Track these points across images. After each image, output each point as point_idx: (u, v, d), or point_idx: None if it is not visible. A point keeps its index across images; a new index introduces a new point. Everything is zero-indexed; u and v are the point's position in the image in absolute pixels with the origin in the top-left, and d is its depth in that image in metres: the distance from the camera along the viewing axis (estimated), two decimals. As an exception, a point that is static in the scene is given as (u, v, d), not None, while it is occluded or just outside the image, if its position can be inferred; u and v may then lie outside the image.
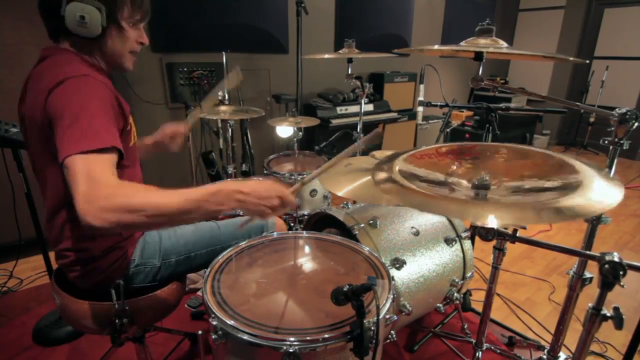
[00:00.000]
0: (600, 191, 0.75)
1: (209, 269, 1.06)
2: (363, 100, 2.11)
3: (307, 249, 1.24)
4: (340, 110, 3.35)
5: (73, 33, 0.94)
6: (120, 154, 0.87)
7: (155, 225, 0.95)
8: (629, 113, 1.00)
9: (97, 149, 0.79)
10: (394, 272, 1.38)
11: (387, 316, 0.95)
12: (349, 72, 2.03)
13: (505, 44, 1.16)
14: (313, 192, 2.19)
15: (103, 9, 0.94)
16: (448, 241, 1.56)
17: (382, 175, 0.88)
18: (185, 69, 2.73)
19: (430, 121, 4.05)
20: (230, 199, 0.86)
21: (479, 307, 1.87)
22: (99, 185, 0.75)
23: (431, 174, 0.95)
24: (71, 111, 0.82)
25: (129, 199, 0.76)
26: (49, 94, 0.86)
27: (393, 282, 1.03)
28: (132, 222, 0.76)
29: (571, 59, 1.14)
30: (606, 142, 1.07)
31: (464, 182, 0.92)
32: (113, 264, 1.07)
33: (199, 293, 1.96)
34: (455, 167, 1.00)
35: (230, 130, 2.54)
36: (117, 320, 1.01)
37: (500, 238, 0.96)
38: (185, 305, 1.88)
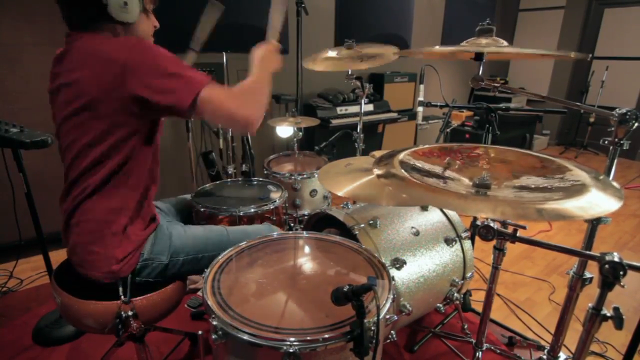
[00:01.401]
0: (599, 195, 0.75)
1: (209, 269, 1.06)
2: (363, 100, 2.11)
3: (307, 249, 1.24)
4: (340, 110, 3.35)
5: (115, 20, 1.00)
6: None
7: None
8: (629, 113, 1.00)
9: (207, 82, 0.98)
10: (394, 272, 1.38)
11: (387, 316, 0.95)
12: (349, 72, 2.03)
13: (505, 43, 1.16)
14: (313, 192, 2.19)
15: None
16: (448, 241, 1.56)
17: (382, 168, 0.89)
18: (185, 69, 2.72)
19: (430, 121, 4.05)
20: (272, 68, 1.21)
21: (479, 307, 1.87)
22: (237, 94, 1.03)
23: (432, 168, 0.96)
24: (168, 63, 0.97)
25: (260, 90, 1.10)
26: (126, 62, 0.92)
27: (393, 282, 1.03)
28: (264, 103, 1.08)
29: (572, 55, 1.14)
30: (606, 142, 1.07)
31: (465, 180, 0.92)
32: (128, 256, 1.08)
33: (199, 293, 1.96)
34: (456, 166, 1.00)
35: (230, 130, 2.54)
36: (122, 313, 1.02)
37: (500, 238, 0.96)
38: (185, 305, 1.88)
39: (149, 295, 1.11)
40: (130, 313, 1.03)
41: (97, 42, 0.98)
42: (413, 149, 1.05)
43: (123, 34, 1.06)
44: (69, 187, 1.06)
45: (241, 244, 1.22)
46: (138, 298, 1.09)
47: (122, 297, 1.06)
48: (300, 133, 2.34)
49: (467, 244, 1.63)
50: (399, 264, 1.39)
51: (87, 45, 0.98)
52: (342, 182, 1.39)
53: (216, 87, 0.99)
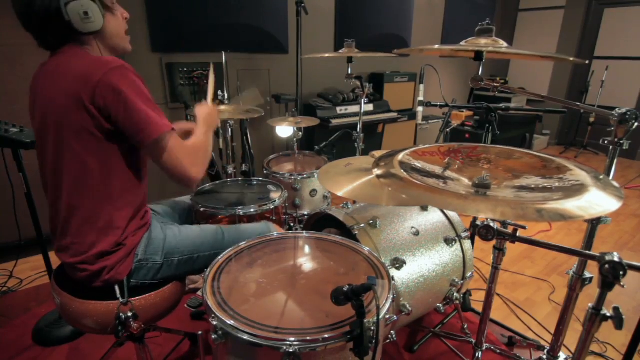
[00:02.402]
0: (599, 195, 0.75)
1: (209, 269, 1.06)
2: (363, 100, 2.11)
3: (307, 249, 1.24)
4: (340, 110, 3.35)
5: (81, 32, 0.97)
6: None
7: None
8: (629, 113, 1.00)
9: (172, 127, 1.03)
10: (394, 272, 1.38)
11: (387, 316, 0.95)
12: (349, 72, 2.03)
13: (505, 44, 1.16)
14: (313, 192, 2.19)
15: None
16: (448, 241, 1.56)
17: (382, 168, 0.89)
18: (185, 69, 2.73)
19: (430, 121, 4.05)
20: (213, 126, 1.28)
21: (479, 307, 1.87)
22: (190, 151, 1.08)
23: (432, 168, 0.95)
24: (139, 99, 0.97)
25: (207, 150, 1.17)
26: (97, 85, 0.92)
27: (393, 282, 1.03)
28: (208, 162, 1.15)
29: (571, 59, 1.14)
30: (606, 142, 1.07)
31: (465, 180, 0.92)
32: (120, 261, 1.09)
33: (199, 293, 1.96)
34: (456, 166, 1.00)
35: (230, 130, 2.54)
36: (121, 315, 1.02)
37: (500, 238, 0.96)
38: (185, 305, 1.88)
39: (147, 295, 1.11)
40: (129, 314, 1.03)
41: (74, 73, 0.95)
42: (413, 149, 1.05)
43: (96, 43, 1.04)
44: (66, 214, 1.05)
45: (241, 244, 1.22)
46: (136, 298, 1.09)
47: (120, 298, 1.06)
48: (300, 133, 2.34)
49: (467, 244, 1.63)
50: (398, 264, 1.39)
51: (62, 88, 0.96)
52: (342, 182, 1.39)
53: (177, 137, 1.05)
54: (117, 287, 1.09)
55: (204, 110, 1.28)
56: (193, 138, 1.16)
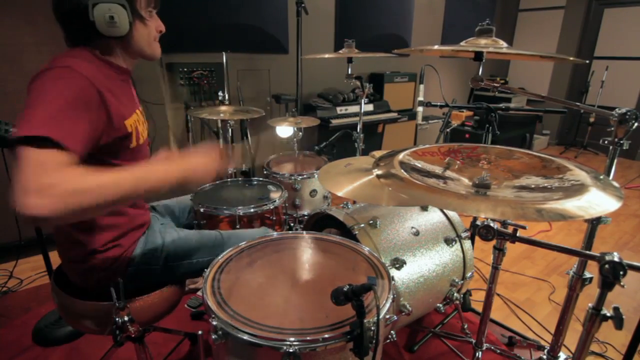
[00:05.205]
0: (599, 195, 0.75)
1: (209, 269, 1.06)
2: (363, 100, 2.11)
3: (307, 249, 1.24)
4: (340, 110, 3.35)
5: (104, 35, 0.95)
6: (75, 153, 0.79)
7: (105, 206, 0.77)
8: (628, 113, 1.00)
9: (54, 139, 0.74)
10: (394, 272, 1.38)
11: (387, 316, 0.95)
12: (349, 72, 2.03)
13: (505, 44, 1.16)
14: (313, 192, 2.19)
15: (127, 5, 0.95)
16: (448, 241, 1.56)
17: (382, 168, 0.89)
18: (185, 69, 2.73)
19: (430, 121, 4.05)
20: (174, 182, 0.87)
21: (479, 307, 1.87)
22: (46, 174, 0.70)
23: (432, 168, 0.95)
24: (40, 98, 0.80)
25: (75, 183, 0.71)
26: (30, 83, 0.86)
27: (393, 282, 1.03)
28: (79, 205, 0.70)
29: (571, 58, 1.14)
30: (606, 142, 1.07)
31: (465, 180, 0.92)
32: (114, 263, 1.08)
33: (199, 293, 1.96)
34: (456, 166, 1.00)
35: (230, 130, 2.55)
36: (117, 319, 1.01)
37: (500, 238, 0.96)
38: (185, 305, 1.88)
39: (145, 296, 1.11)
40: (126, 318, 1.02)
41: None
42: (413, 149, 1.05)
43: (115, 48, 1.02)
44: None
45: (241, 244, 1.22)
46: (134, 300, 1.09)
47: (116, 303, 1.04)
48: (300, 133, 2.34)
49: (467, 244, 1.63)
50: (398, 264, 1.39)
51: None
52: (342, 182, 1.39)
53: (51, 153, 0.74)
54: (112, 290, 1.07)
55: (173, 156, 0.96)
56: (96, 174, 0.75)
